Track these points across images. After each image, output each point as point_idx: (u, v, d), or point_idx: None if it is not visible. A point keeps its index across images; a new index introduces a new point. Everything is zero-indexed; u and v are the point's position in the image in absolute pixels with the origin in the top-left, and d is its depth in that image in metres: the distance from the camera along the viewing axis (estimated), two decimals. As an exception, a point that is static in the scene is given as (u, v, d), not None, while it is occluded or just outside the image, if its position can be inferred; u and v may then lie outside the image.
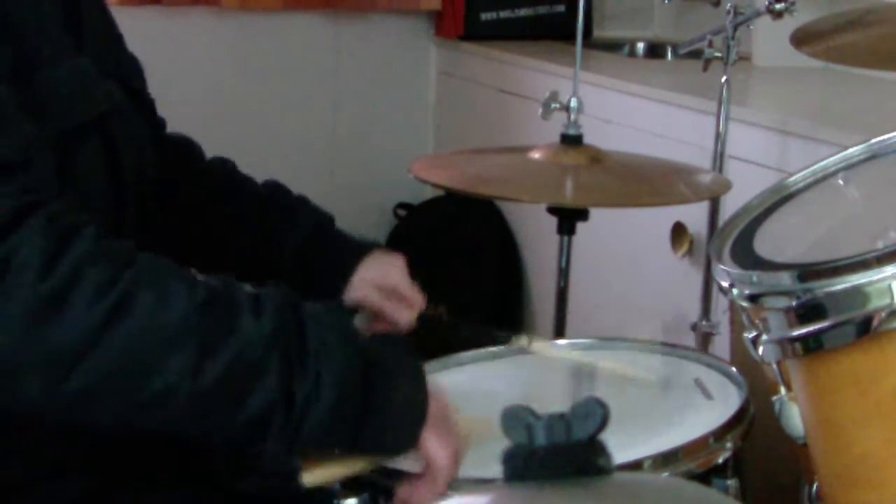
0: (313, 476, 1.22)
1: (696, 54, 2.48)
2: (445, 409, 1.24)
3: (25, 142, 1.16)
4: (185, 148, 1.61)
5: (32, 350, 1.09)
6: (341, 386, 1.15)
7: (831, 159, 1.45)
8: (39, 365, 1.09)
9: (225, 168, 1.62)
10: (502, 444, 0.89)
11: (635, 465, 1.25)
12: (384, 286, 1.55)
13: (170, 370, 1.11)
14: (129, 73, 1.46)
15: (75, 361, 1.09)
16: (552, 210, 1.96)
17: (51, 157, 1.22)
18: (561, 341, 1.68)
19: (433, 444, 1.21)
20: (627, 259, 2.98)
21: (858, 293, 1.10)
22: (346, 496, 1.29)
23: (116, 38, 1.48)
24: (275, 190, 1.61)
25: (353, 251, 1.57)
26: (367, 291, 1.55)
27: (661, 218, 2.73)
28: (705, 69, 2.41)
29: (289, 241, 1.55)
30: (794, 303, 1.14)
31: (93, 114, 1.29)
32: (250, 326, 1.14)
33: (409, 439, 1.21)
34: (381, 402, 1.19)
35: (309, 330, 1.16)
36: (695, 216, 2.59)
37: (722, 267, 1.24)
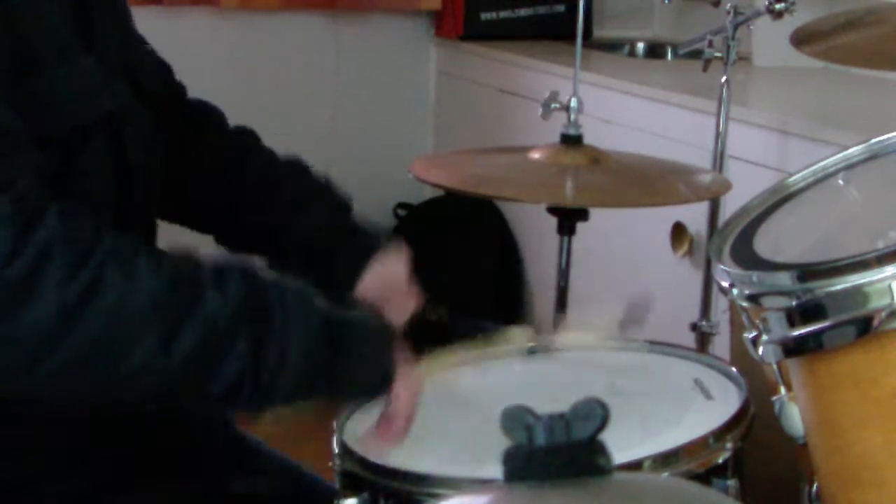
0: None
1: (696, 54, 2.49)
2: (409, 356, 1.29)
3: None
4: (205, 115, 1.60)
5: (5, 335, 1.09)
6: (307, 347, 1.19)
7: (831, 159, 1.45)
8: (12, 349, 1.10)
9: (245, 140, 1.60)
10: (502, 444, 0.89)
11: (635, 465, 1.24)
12: (384, 282, 1.55)
13: (142, 348, 1.12)
14: (141, 72, 1.44)
15: (44, 349, 1.10)
16: (552, 210, 1.96)
17: (55, 156, 1.22)
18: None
19: (397, 388, 1.26)
20: (627, 259, 2.98)
21: (858, 293, 1.10)
22: (347, 496, 1.29)
23: (130, 37, 1.46)
24: (293, 170, 1.57)
25: (364, 250, 1.55)
26: (368, 286, 1.55)
27: (661, 218, 2.73)
28: (705, 69, 2.41)
29: (298, 231, 1.54)
30: (794, 303, 1.14)
31: (97, 114, 1.28)
32: (216, 300, 1.15)
33: (376, 389, 1.26)
34: (348, 358, 1.22)
35: (273, 300, 1.18)
36: (695, 216, 2.59)
37: (722, 267, 1.24)
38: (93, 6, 1.32)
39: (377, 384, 1.26)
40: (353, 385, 1.26)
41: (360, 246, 1.54)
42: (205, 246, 1.31)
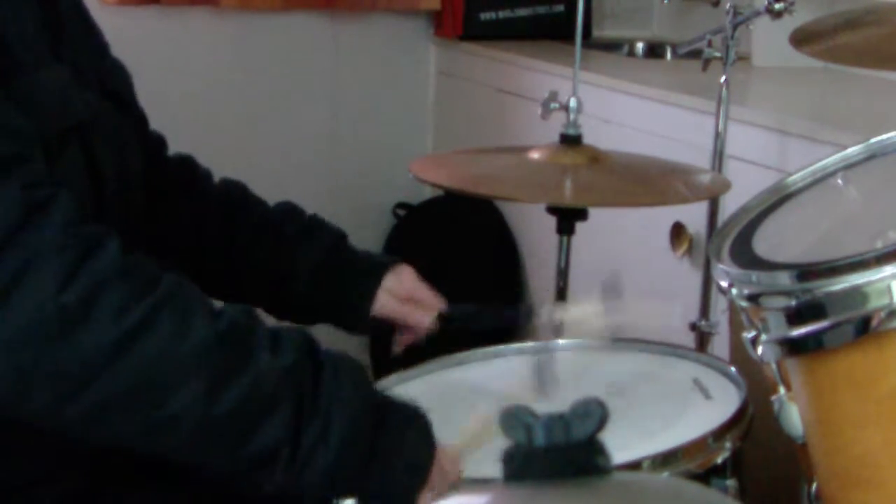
0: None
1: (695, 54, 2.49)
2: (445, 460, 1.23)
3: (16, 136, 1.16)
4: (188, 169, 1.59)
5: (45, 365, 1.08)
6: (350, 432, 1.16)
7: (830, 159, 1.45)
8: (50, 380, 1.09)
9: (233, 192, 1.59)
10: (502, 444, 0.89)
11: (635, 465, 1.25)
12: (400, 294, 1.56)
13: (181, 397, 1.11)
14: (111, 82, 1.44)
15: (87, 380, 1.09)
16: (551, 210, 1.96)
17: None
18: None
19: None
20: (627, 259, 2.98)
21: (857, 293, 1.10)
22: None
23: (99, 47, 1.46)
24: (287, 212, 1.59)
25: (373, 271, 1.56)
26: (385, 302, 1.55)
27: (661, 218, 2.73)
28: (705, 69, 2.41)
29: (303, 263, 1.54)
30: (793, 302, 1.14)
31: (70, 122, 1.27)
32: (266, 362, 1.14)
33: (407, 497, 1.20)
34: (387, 455, 1.19)
35: (325, 373, 1.17)
36: (694, 216, 2.58)
37: (721, 267, 1.24)
38: (62, 20, 1.33)
39: (412, 483, 1.20)
40: (389, 478, 1.19)
41: (370, 273, 1.55)
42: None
